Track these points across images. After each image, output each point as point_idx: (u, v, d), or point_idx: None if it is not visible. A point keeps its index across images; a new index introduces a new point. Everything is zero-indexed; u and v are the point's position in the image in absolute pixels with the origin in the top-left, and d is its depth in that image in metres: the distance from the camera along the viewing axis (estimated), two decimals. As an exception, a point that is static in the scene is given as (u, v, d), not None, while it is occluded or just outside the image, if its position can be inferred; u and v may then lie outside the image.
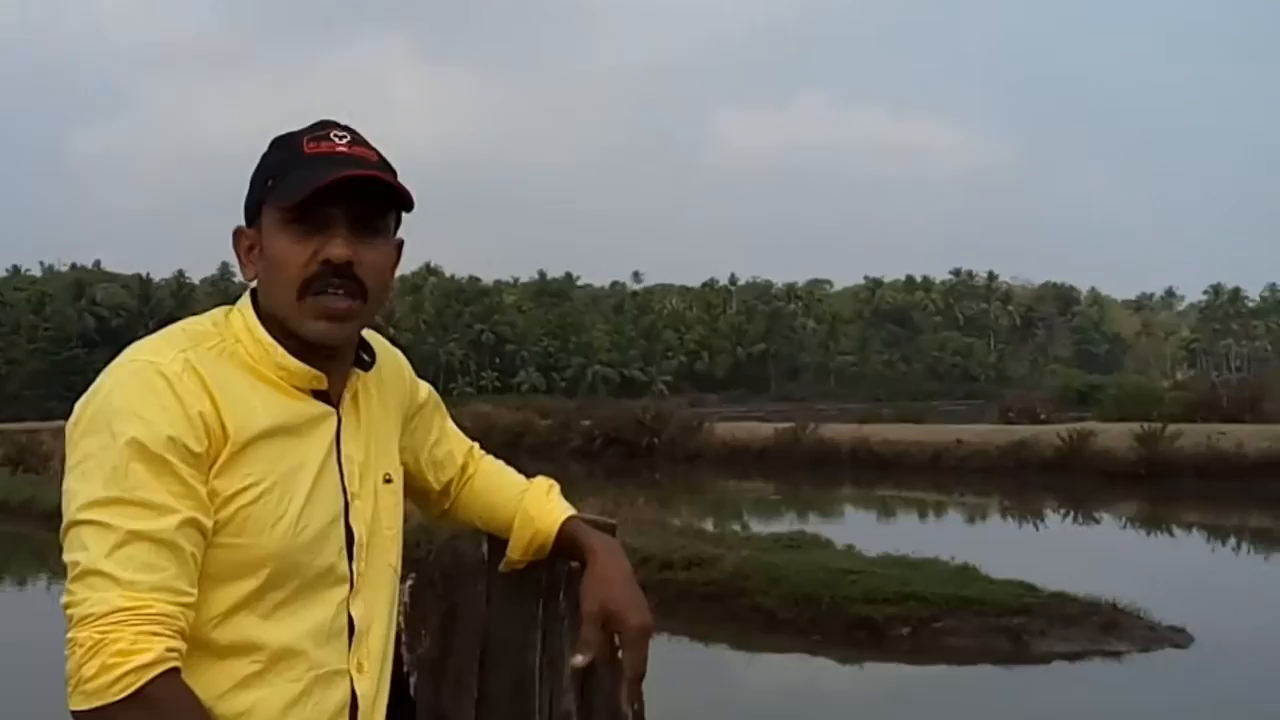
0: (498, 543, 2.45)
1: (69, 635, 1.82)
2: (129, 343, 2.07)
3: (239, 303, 2.16)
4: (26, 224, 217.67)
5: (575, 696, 2.35)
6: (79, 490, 1.90)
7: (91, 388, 1.99)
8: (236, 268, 2.18)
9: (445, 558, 2.47)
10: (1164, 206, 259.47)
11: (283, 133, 2.14)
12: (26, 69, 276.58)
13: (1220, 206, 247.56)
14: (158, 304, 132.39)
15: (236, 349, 2.07)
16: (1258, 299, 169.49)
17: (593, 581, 2.28)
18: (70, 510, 1.90)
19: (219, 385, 2.00)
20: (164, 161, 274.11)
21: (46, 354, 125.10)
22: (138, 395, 1.93)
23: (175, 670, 1.84)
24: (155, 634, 1.83)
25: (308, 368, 2.10)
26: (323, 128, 2.10)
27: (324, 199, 2.02)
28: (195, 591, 1.91)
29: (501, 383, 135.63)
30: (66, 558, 1.88)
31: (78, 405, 1.99)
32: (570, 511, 2.41)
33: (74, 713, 1.83)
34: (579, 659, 2.25)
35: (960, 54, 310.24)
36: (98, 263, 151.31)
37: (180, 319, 2.14)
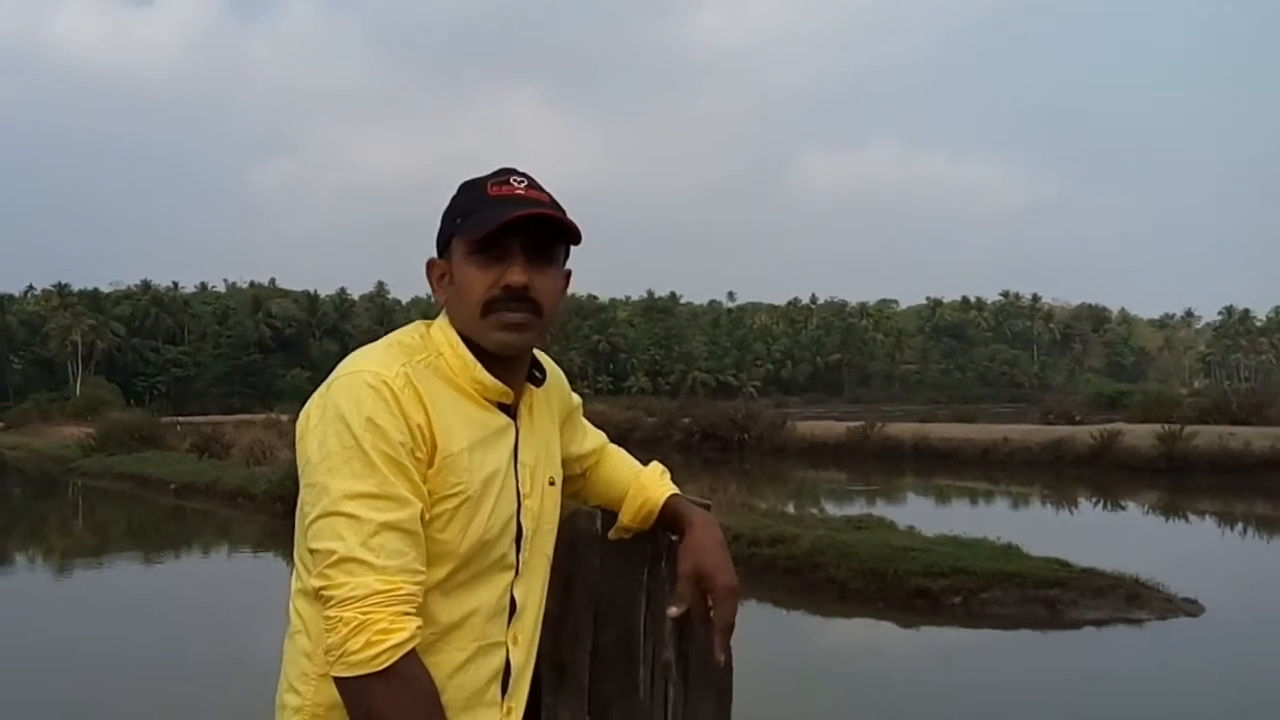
0: (609, 518, 2.47)
1: (329, 613, 1.88)
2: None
3: (438, 320, 2.18)
4: (213, 247, 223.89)
5: (674, 648, 2.39)
6: (330, 485, 1.93)
7: (323, 392, 2.03)
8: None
9: (565, 532, 2.47)
10: (1184, 238, 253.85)
11: (469, 178, 2.16)
12: (213, 116, 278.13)
13: (1233, 237, 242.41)
14: (323, 316, 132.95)
15: (439, 362, 2.08)
16: (1264, 319, 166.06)
17: (689, 546, 2.30)
18: (323, 502, 1.93)
19: (430, 399, 2.01)
20: (329, 194, 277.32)
21: (228, 358, 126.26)
22: (372, 404, 1.95)
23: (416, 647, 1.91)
24: (406, 614, 1.89)
25: (499, 383, 2.11)
26: (503, 174, 2.12)
27: (504, 233, 2.04)
28: (426, 569, 1.96)
29: (614, 386, 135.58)
30: (319, 545, 1.92)
31: (311, 406, 2.04)
32: (676, 490, 2.43)
33: (336, 679, 1.89)
34: (673, 610, 2.28)
35: (1009, 103, 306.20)
36: (273, 280, 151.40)
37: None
